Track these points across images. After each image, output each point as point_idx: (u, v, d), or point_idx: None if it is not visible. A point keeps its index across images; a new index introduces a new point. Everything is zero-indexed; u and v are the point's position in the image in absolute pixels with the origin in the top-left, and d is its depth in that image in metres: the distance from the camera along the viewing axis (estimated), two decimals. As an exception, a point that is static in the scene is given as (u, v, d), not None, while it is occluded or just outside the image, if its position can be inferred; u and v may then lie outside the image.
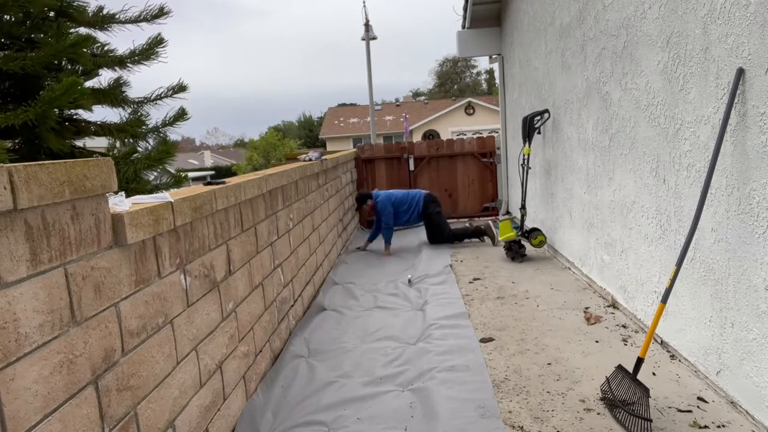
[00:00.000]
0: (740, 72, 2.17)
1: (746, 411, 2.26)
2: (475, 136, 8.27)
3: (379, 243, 6.17)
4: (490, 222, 6.35)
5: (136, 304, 1.65)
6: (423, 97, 50.69)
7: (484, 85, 53.29)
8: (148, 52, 4.42)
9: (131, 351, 1.61)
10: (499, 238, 5.40)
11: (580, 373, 2.81)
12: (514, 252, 5.33)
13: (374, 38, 18.26)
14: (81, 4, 4.27)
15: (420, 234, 6.90)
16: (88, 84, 4.32)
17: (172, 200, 1.86)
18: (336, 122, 38.13)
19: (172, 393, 1.84)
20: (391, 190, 6.31)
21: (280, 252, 3.38)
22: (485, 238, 6.21)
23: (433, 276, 4.75)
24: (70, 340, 1.33)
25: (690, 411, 2.36)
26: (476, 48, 7.99)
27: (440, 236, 6.12)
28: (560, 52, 4.72)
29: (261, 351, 2.86)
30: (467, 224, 6.68)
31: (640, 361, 2.42)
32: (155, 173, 4.67)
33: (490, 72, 50.00)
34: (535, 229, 5.35)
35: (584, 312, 3.71)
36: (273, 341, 3.10)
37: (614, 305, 3.75)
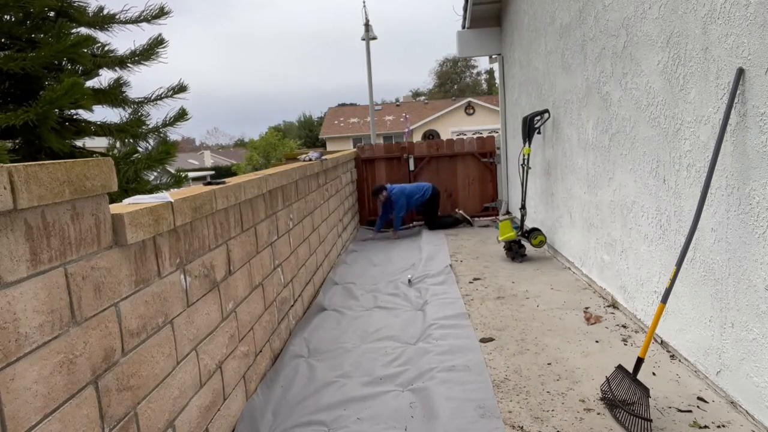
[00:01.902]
0: (740, 72, 2.17)
1: (746, 411, 2.26)
2: (475, 136, 8.26)
3: (375, 245, 6.14)
4: (462, 212, 7.65)
5: (136, 304, 1.65)
6: (423, 97, 50.68)
7: (484, 85, 53.30)
8: (149, 52, 4.43)
9: (131, 351, 1.61)
10: (499, 238, 5.41)
11: (580, 373, 2.81)
12: (514, 252, 5.33)
13: (374, 38, 18.25)
14: (81, 4, 4.28)
15: (419, 236, 6.92)
16: (89, 84, 4.33)
17: (172, 200, 1.86)
18: (336, 122, 38.14)
19: (172, 393, 1.84)
20: (401, 184, 7.27)
21: (280, 252, 3.38)
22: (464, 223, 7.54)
23: (433, 276, 4.75)
24: (70, 340, 1.33)
25: (690, 411, 2.36)
26: (476, 48, 7.99)
27: (432, 221, 7.34)
28: (560, 52, 4.72)
29: (261, 351, 2.86)
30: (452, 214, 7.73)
31: (640, 361, 2.42)
32: (155, 173, 4.67)
33: (490, 72, 50.04)
34: (535, 229, 5.35)
35: (584, 312, 3.71)
36: (273, 341, 3.10)
37: (614, 305, 3.76)
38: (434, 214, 7.35)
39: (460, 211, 7.64)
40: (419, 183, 7.37)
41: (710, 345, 2.53)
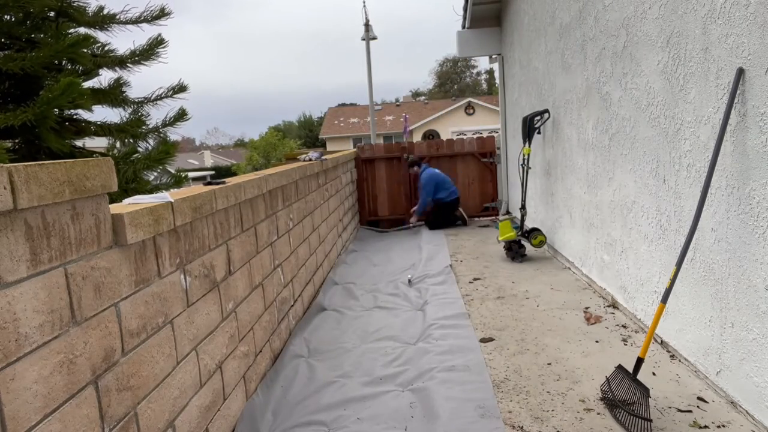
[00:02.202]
0: (740, 72, 2.17)
1: (746, 411, 2.26)
2: (475, 136, 8.26)
3: (375, 245, 6.16)
4: (461, 210, 7.62)
5: (136, 304, 1.65)
6: (423, 97, 50.69)
7: (484, 85, 53.32)
8: (149, 52, 4.43)
9: (131, 351, 1.61)
10: (499, 238, 5.41)
11: (580, 373, 2.81)
12: (514, 252, 5.33)
13: (374, 38, 18.26)
14: (81, 4, 4.28)
15: (419, 236, 6.92)
16: (88, 84, 4.33)
17: (172, 200, 1.86)
18: (336, 122, 38.15)
19: (172, 393, 1.84)
20: (434, 169, 7.41)
21: (280, 252, 3.38)
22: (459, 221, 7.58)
23: (433, 276, 4.75)
24: (70, 340, 1.33)
25: (690, 411, 2.36)
26: (476, 48, 7.99)
27: (435, 222, 7.31)
28: (560, 52, 4.72)
29: (261, 351, 2.86)
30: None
31: (640, 361, 2.42)
32: (155, 173, 4.67)
33: (490, 72, 50.05)
34: (535, 229, 5.35)
35: (584, 312, 3.71)
36: (273, 341, 3.10)
37: (614, 305, 3.76)
38: (440, 217, 7.31)
39: (459, 209, 7.64)
40: (448, 179, 7.37)
41: (710, 345, 2.53)
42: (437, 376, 2.78)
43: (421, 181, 7.24)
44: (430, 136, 31.35)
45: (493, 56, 8.10)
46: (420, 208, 7.27)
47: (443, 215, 7.33)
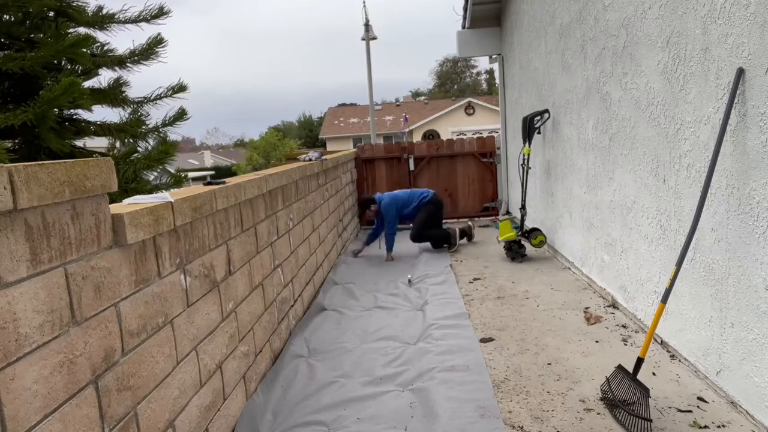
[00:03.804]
0: (740, 72, 2.17)
1: (746, 411, 2.26)
2: (475, 136, 8.27)
3: (374, 248, 6.17)
4: (470, 223, 6.49)
5: (136, 304, 1.64)
6: (423, 97, 50.68)
7: (484, 85, 53.31)
8: (148, 52, 4.42)
9: (131, 351, 1.60)
10: (500, 238, 5.41)
11: (580, 373, 2.81)
12: (514, 252, 5.33)
13: (374, 38, 18.25)
14: (80, 3, 4.27)
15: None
16: (88, 84, 4.32)
17: (172, 200, 1.86)
18: (336, 122, 38.14)
19: (172, 393, 1.84)
20: (394, 192, 6.10)
21: (280, 252, 3.38)
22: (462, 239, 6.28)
23: (433, 276, 4.75)
24: (70, 340, 1.33)
25: (690, 411, 2.36)
26: (476, 48, 7.99)
27: (418, 233, 5.95)
28: (560, 52, 4.72)
29: (261, 351, 2.86)
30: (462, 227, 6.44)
31: (640, 361, 2.42)
32: (155, 173, 4.66)
33: (490, 72, 50.06)
34: (535, 229, 5.35)
35: (584, 312, 3.71)
36: (273, 341, 3.10)
37: (614, 305, 3.76)
38: (425, 225, 5.93)
39: (469, 224, 6.51)
40: (416, 190, 6.15)
41: (710, 345, 2.53)
42: (437, 376, 2.77)
43: (381, 213, 5.86)
44: (430, 136, 31.34)
45: (493, 56, 8.10)
46: (389, 241, 5.76)
47: (425, 221, 5.93)
